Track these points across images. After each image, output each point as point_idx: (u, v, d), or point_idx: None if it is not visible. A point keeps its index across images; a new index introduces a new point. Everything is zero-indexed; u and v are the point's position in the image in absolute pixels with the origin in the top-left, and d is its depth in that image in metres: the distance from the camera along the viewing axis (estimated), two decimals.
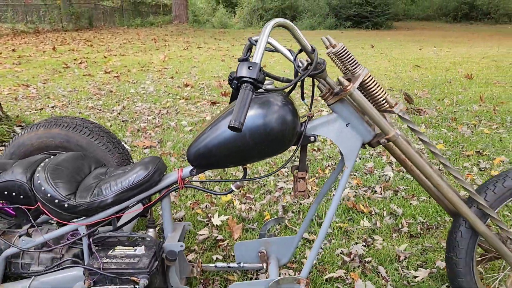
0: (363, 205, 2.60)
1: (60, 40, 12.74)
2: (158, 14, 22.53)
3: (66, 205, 1.48)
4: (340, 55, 1.46)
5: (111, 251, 1.54)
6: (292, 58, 1.54)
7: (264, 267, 1.82)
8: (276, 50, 1.64)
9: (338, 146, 1.53)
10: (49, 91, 5.76)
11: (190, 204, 2.65)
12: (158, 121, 4.39)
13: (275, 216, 2.35)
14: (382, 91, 1.49)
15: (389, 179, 3.00)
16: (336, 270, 2.03)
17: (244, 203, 2.68)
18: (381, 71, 7.67)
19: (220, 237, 2.30)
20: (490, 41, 13.59)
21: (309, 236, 2.31)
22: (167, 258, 1.58)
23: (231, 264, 1.86)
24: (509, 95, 5.56)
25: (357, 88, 1.46)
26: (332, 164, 3.28)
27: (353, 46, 12.48)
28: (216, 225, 2.41)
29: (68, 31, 15.52)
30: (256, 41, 1.54)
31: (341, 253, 2.16)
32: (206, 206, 2.64)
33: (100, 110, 4.83)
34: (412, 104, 4.87)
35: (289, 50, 1.63)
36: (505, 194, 1.60)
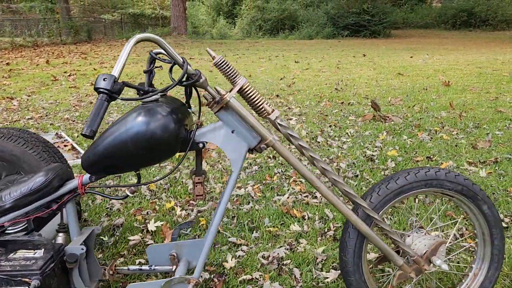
0: (297, 210, 2.68)
1: (56, 53, 13.02)
2: (157, 26, 22.87)
3: None
4: (220, 66, 1.56)
5: (12, 254, 1.63)
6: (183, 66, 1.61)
7: (173, 269, 1.90)
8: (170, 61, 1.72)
9: (225, 152, 1.62)
10: (31, 104, 5.93)
11: (133, 211, 2.75)
12: None
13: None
14: (261, 99, 1.58)
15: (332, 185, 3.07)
16: (253, 272, 2.11)
17: (186, 209, 2.77)
18: (362, 80, 7.75)
19: (151, 242, 2.39)
20: (485, 48, 13.63)
21: (237, 240, 2.39)
22: (67, 261, 1.67)
23: (143, 267, 1.94)
24: (480, 101, 5.61)
25: (238, 95, 1.56)
26: (281, 171, 3.36)
27: (345, 54, 12.58)
28: (151, 231, 2.50)
29: (67, 44, 15.84)
30: (157, 54, 1.65)
31: (262, 257, 2.23)
32: (147, 212, 2.73)
33: (73, 121, 4.97)
34: (379, 112, 4.94)
35: (184, 61, 1.72)
36: (389, 196, 1.68)
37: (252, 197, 2.92)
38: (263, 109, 1.58)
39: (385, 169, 3.35)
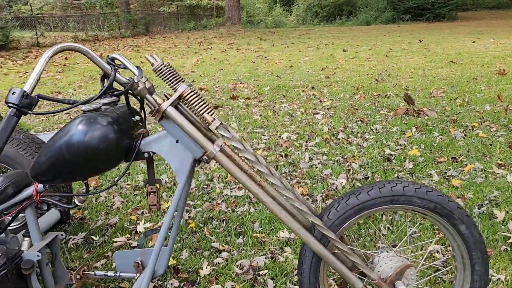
0: None
1: (112, 46, 13.57)
2: (212, 16, 23.10)
3: None
4: (159, 73, 1.48)
5: None
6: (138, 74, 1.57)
7: (136, 277, 1.88)
8: (125, 67, 1.68)
9: (169, 163, 1.55)
10: (74, 98, 6.20)
11: (130, 210, 2.77)
12: (150, 126, 4.57)
13: (200, 224, 2.39)
14: (202, 107, 1.48)
15: (336, 188, 2.90)
16: (226, 282, 2.03)
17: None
18: (408, 69, 7.30)
19: (135, 243, 2.39)
20: None
21: (219, 246, 2.32)
22: (22, 268, 1.69)
23: (109, 273, 1.93)
24: None
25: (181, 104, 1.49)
26: (289, 171, 3.23)
27: (400, 41, 11.95)
28: (140, 232, 2.50)
29: (125, 37, 16.47)
30: (112, 59, 1.61)
31: (240, 265, 2.15)
32: (142, 212, 2.74)
33: None
34: (413, 105, 4.61)
35: (137, 67, 1.66)
36: (348, 212, 1.53)
37: (250, 199, 2.83)
38: (204, 118, 1.49)
39: (400, 171, 3.11)
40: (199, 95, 1.54)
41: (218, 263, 2.18)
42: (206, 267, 2.13)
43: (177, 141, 1.54)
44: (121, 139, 1.52)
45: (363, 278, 1.56)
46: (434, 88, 5.69)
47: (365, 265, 1.51)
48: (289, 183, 2.92)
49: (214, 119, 1.47)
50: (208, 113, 1.49)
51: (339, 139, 3.88)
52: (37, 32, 14.47)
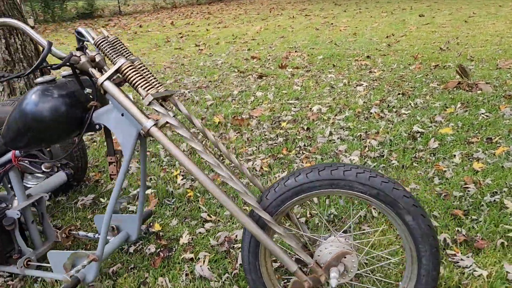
0: None
1: (186, 14, 13.90)
2: None
3: None
4: (99, 47, 1.52)
5: None
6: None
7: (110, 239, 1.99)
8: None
9: (116, 136, 1.60)
10: None
11: None
12: (191, 95, 4.69)
13: (198, 194, 2.45)
14: (139, 82, 1.50)
15: None
16: (200, 252, 2.08)
17: (187, 179, 2.83)
18: (483, 36, 6.60)
19: (133, 208, 2.52)
20: None
21: (207, 217, 2.37)
22: (4, 223, 1.87)
23: (89, 234, 2.08)
24: None
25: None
26: (304, 145, 3.15)
27: (490, 3, 10.78)
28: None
29: (201, 4, 16.76)
30: (79, 33, 1.67)
31: (217, 237, 2.18)
32: (150, 179, 2.87)
33: None
34: (467, 78, 4.20)
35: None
36: (286, 194, 1.48)
37: (256, 171, 2.82)
38: (139, 93, 1.50)
39: (421, 150, 2.88)
40: (139, 69, 1.55)
41: (200, 233, 2.23)
42: (186, 236, 2.19)
43: (122, 115, 1.57)
44: (71, 111, 1.59)
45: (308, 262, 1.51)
46: (503, 59, 5.11)
47: (299, 249, 1.46)
48: (299, 157, 2.87)
49: (148, 94, 1.48)
50: (144, 88, 1.50)
51: (371, 113, 3.68)
52: (119, 1, 15.24)
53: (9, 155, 1.86)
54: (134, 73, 1.50)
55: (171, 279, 1.92)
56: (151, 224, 2.33)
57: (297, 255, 1.51)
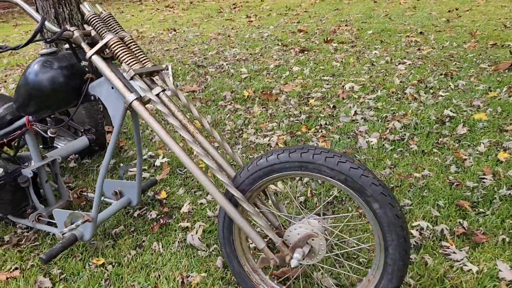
0: None
1: None
2: None
3: None
4: (89, 22, 1.58)
5: None
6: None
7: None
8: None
9: (107, 107, 1.69)
10: (180, 36, 6.65)
11: (162, 145, 3.02)
12: (228, 67, 4.72)
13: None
14: (124, 57, 1.55)
15: (360, 147, 2.71)
16: (197, 222, 2.16)
17: None
18: None
19: (147, 175, 2.64)
20: None
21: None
22: (19, 181, 2.05)
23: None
24: None
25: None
26: (324, 124, 3.10)
27: None
28: (156, 165, 2.75)
29: None
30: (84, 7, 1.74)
31: (214, 208, 2.24)
32: (167, 149, 2.97)
33: (195, 54, 5.43)
34: None
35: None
36: (257, 173, 1.49)
37: (271, 147, 2.84)
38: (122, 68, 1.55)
39: (446, 136, 2.73)
40: (128, 45, 1.60)
41: (201, 203, 2.31)
42: (186, 206, 2.28)
43: (112, 88, 1.65)
44: (69, 82, 1.69)
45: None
46: None
47: (268, 227, 1.48)
48: (316, 136, 2.84)
49: (130, 70, 1.53)
50: (128, 63, 1.55)
51: (405, 94, 3.51)
52: None
53: (23, 120, 2.02)
54: (121, 48, 1.55)
55: (164, 245, 2.01)
56: (158, 191, 2.44)
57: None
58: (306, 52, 5.15)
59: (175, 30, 7.19)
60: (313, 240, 1.47)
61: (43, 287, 1.83)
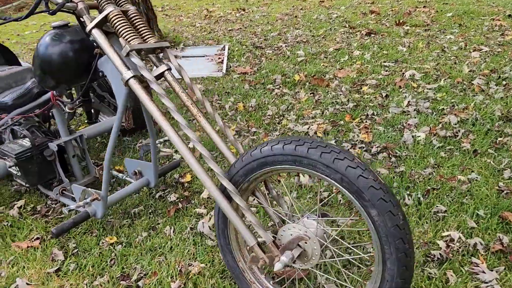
0: None
1: None
2: None
3: None
4: None
5: (19, 139, 2.18)
6: None
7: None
8: None
9: (111, 84, 1.65)
10: (246, 16, 6.56)
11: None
12: (286, 49, 4.55)
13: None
14: (123, 31, 1.48)
15: (405, 142, 2.44)
16: (213, 209, 2.08)
17: (240, 135, 2.81)
18: None
19: (178, 157, 2.61)
20: None
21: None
22: (45, 154, 2.11)
23: (119, 174, 2.23)
24: None
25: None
26: (371, 114, 2.84)
27: None
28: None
29: None
30: None
31: None
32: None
33: (255, 34, 5.30)
34: None
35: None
36: (251, 164, 1.37)
37: (308, 136, 2.66)
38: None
39: (509, 135, 2.37)
40: (130, 19, 1.52)
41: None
42: (206, 191, 2.21)
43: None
44: (78, 56, 1.67)
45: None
46: None
47: (258, 225, 1.35)
48: (359, 127, 2.63)
49: (125, 45, 1.46)
50: (126, 38, 1.48)
51: (472, 84, 3.12)
52: None
53: (48, 95, 2.05)
54: (120, 21, 1.48)
55: (176, 230, 1.97)
56: (183, 174, 2.40)
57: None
58: (372, 35, 4.81)
59: (244, 10, 7.11)
60: (305, 243, 1.32)
61: (56, 259, 1.87)
